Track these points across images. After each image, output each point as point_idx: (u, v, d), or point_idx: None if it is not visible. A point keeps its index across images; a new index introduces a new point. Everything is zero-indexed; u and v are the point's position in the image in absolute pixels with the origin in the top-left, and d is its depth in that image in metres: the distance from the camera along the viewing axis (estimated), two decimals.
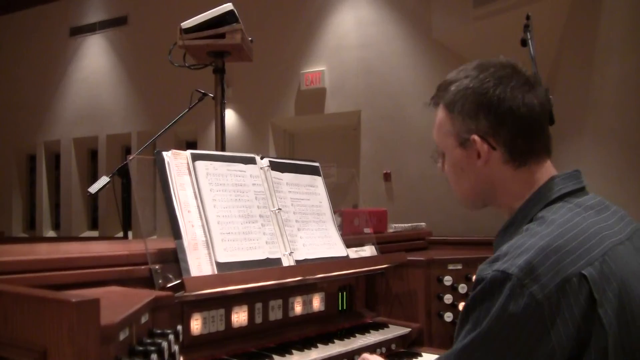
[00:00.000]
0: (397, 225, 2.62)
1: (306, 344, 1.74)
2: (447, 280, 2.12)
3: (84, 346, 0.86)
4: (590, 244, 1.04)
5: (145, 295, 1.25)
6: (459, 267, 2.15)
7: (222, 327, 1.67)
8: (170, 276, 1.50)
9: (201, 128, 7.42)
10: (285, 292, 1.86)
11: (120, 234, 3.33)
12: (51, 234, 9.15)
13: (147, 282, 1.47)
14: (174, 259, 1.54)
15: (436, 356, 1.62)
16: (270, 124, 7.34)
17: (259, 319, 1.78)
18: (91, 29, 8.80)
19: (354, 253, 2.05)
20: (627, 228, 1.14)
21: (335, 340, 1.81)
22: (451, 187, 1.31)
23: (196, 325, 1.61)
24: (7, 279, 1.21)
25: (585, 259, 1.01)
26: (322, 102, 6.99)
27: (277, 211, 1.84)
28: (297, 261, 1.81)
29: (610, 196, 1.21)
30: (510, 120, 1.16)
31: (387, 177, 6.52)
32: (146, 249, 1.50)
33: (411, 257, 2.15)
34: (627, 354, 1.01)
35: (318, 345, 1.75)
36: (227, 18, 2.73)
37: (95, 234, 8.54)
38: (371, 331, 1.95)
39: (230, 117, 7.29)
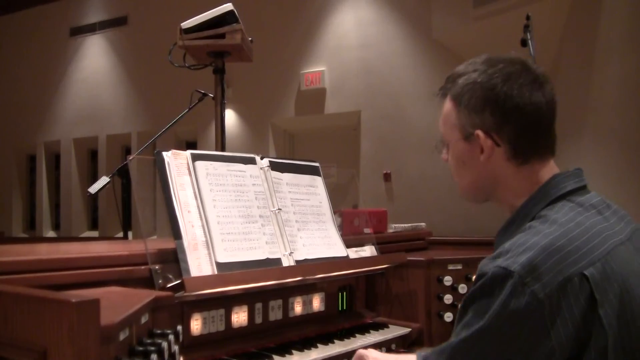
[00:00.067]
0: (397, 225, 2.62)
1: (306, 344, 1.74)
2: (447, 280, 2.12)
3: (84, 346, 0.86)
4: (593, 244, 1.04)
5: (145, 296, 1.25)
6: (459, 267, 2.14)
7: (222, 327, 1.67)
8: (170, 276, 1.50)
9: (201, 128, 7.42)
10: (285, 292, 1.86)
11: (120, 234, 3.33)
12: (51, 234, 9.15)
13: (147, 282, 1.47)
14: (174, 259, 1.54)
15: None
16: (270, 124, 7.34)
17: (259, 319, 1.78)
18: (91, 29, 8.81)
19: (354, 253, 2.05)
20: (627, 228, 1.14)
21: (335, 341, 1.81)
22: (453, 178, 1.31)
23: (196, 325, 1.61)
24: (7, 279, 1.21)
25: (587, 259, 1.01)
26: (322, 102, 6.99)
27: (277, 211, 1.84)
28: (297, 261, 1.81)
29: (610, 196, 1.21)
30: (515, 117, 1.15)
31: (387, 177, 6.52)
32: (146, 249, 1.50)
33: (411, 258, 2.15)
34: (627, 354, 1.01)
35: (318, 345, 1.75)
36: (227, 18, 2.73)
37: (95, 234, 8.54)
38: (371, 331, 1.95)
39: (230, 117, 7.29)
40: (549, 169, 1.20)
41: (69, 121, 8.87)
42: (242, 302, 1.73)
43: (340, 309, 2.08)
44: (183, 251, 1.55)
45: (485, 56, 1.23)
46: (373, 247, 2.18)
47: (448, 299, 2.11)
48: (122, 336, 1.00)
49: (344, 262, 1.96)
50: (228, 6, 2.73)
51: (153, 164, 1.64)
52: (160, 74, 7.23)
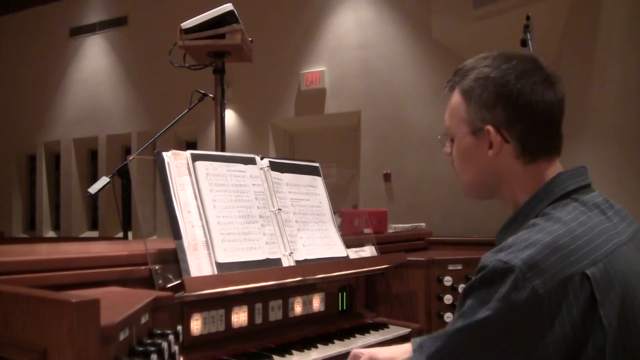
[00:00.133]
0: (397, 225, 2.62)
1: (306, 344, 1.74)
2: (447, 280, 2.12)
3: (84, 346, 0.86)
4: (595, 244, 1.04)
5: (145, 296, 1.25)
6: (459, 267, 2.15)
7: (222, 328, 1.67)
8: (170, 276, 1.50)
9: (201, 128, 7.42)
10: (285, 293, 1.86)
11: (120, 235, 3.33)
12: (51, 234, 9.15)
13: (147, 282, 1.47)
14: (174, 259, 1.54)
15: None
16: (270, 125, 7.34)
17: (259, 319, 1.78)
18: (91, 29, 8.81)
19: (354, 253, 2.05)
20: (630, 228, 1.13)
21: (335, 341, 1.81)
22: (456, 173, 1.30)
23: (196, 325, 1.61)
24: (7, 279, 1.21)
25: (589, 258, 1.01)
26: (322, 102, 6.99)
27: (277, 211, 1.84)
28: (297, 261, 1.81)
29: (610, 196, 1.21)
30: (527, 115, 1.15)
31: (387, 177, 6.52)
32: (146, 249, 1.50)
33: (411, 258, 2.15)
34: (627, 355, 1.01)
35: (318, 345, 1.75)
36: (227, 18, 2.73)
37: (95, 234, 8.54)
38: (371, 331, 1.95)
39: (230, 117, 7.29)
40: (555, 169, 1.19)
41: (69, 121, 8.87)
42: (242, 303, 1.73)
43: (340, 309, 2.08)
44: (183, 251, 1.55)
45: (498, 52, 1.21)
46: (373, 247, 2.18)
47: (448, 299, 2.11)
48: (122, 336, 1.00)
49: (344, 262, 1.96)
50: (228, 6, 2.73)
51: (153, 164, 1.64)
52: (160, 74, 7.23)
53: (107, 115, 8.51)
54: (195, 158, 1.69)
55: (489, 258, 1.06)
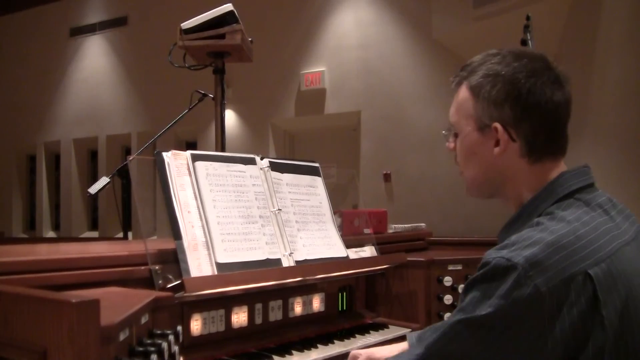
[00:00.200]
0: (397, 225, 2.62)
1: (306, 345, 1.74)
2: (447, 280, 2.12)
3: (84, 346, 0.86)
4: (599, 243, 1.04)
5: (145, 296, 1.25)
6: (459, 267, 2.14)
7: (222, 328, 1.67)
8: (170, 277, 1.50)
9: (201, 128, 7.42)
10: (285, 293, 1.86)
11: (120, 235, 3.33)
12: (51, 234, 9.15)
13: (147, 282, 1.47)
14: (174, 259, 1.54)
15: None
16: (270, 125, 7.34)
17: (259, 320, 1.78)
18: (91, 29, 8.81)
19: (354, 253, 2.05)
20: (632, 228, 1.13)
21: (335, 341, 1.81)
22: (459, 169, 1.29)
23: (196, 325, 1.61)
24: (7, 280, 1.21)
25: (593, 258, 1.01)
26: (322, 102, 6.99)
27: (277, 212, 1.84)
28: (297, 262, 1.81)
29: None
30: (535, 114, 1.14)
31: (387, 177, 6.52)
32: (146, 250, 1.50)
33: (411, 258, 2.15)
34: (628, 355, 1.01)
35: (318, 345, 1.75)
36: (227, 18, 2.73)
37: (95, 234, 8.54)
38: (371, 332, 1.95)
39: (230, 117, 7.30)
40: (559, 169, 1.19)
41: (69, 121, 8.87)
42: (242, 303, 1.73)
43: (340, 309, 2.08)
44: (183, 251, 1.55)
45: (507, 50, 1.20)
46: (373, 248, 2.18)
47: (448, 299, 2.11)
48: (122, 336, 1.00)
49: (344, 262, 1.96)
50: (228, 6, 2.73)
51: (153, 164, 1.64)
52: (160, 74, 7.23)
53: (107, 116, 8.52)
54: (195, 158, 1.69)
55: (492, 254, 1.05)
